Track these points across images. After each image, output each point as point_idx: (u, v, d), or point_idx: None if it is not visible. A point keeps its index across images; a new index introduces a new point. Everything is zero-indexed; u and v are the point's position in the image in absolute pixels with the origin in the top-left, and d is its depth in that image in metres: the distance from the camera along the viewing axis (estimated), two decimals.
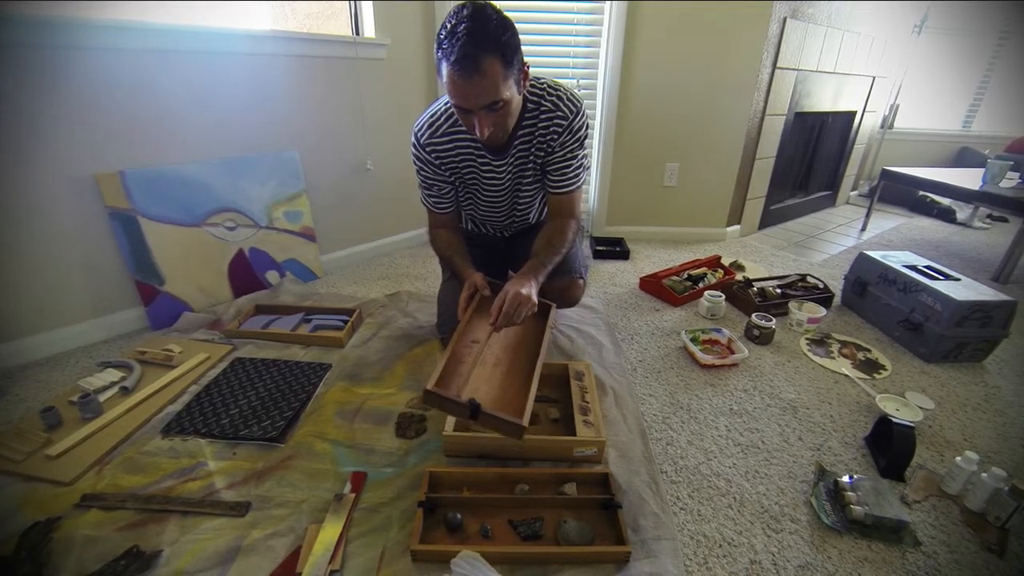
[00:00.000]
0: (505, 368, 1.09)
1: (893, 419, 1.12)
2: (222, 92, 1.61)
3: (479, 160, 1.21)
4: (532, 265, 1.16)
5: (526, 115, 1.15)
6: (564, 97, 1.15)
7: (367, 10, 1.90)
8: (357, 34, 1.94)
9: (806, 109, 2.67)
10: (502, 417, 0.92)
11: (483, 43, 0.92)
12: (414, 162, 1.25)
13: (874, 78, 3.08)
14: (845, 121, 3.12)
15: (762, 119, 2.43)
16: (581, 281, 1.40)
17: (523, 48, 1.03)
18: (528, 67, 1.05)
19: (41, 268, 1.39)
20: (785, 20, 2.25)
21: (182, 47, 1.49)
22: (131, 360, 1.38)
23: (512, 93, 1.00)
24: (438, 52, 0.96)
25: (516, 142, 1.17)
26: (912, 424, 1.11)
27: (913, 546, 0.93)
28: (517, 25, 1.00)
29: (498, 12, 0.97)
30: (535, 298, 1.10)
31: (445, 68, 0.95)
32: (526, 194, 1.30)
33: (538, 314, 1.22)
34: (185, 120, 1.56)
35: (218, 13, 1.67)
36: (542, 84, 1.16)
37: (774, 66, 2.33)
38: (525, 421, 0.92)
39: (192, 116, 1.57)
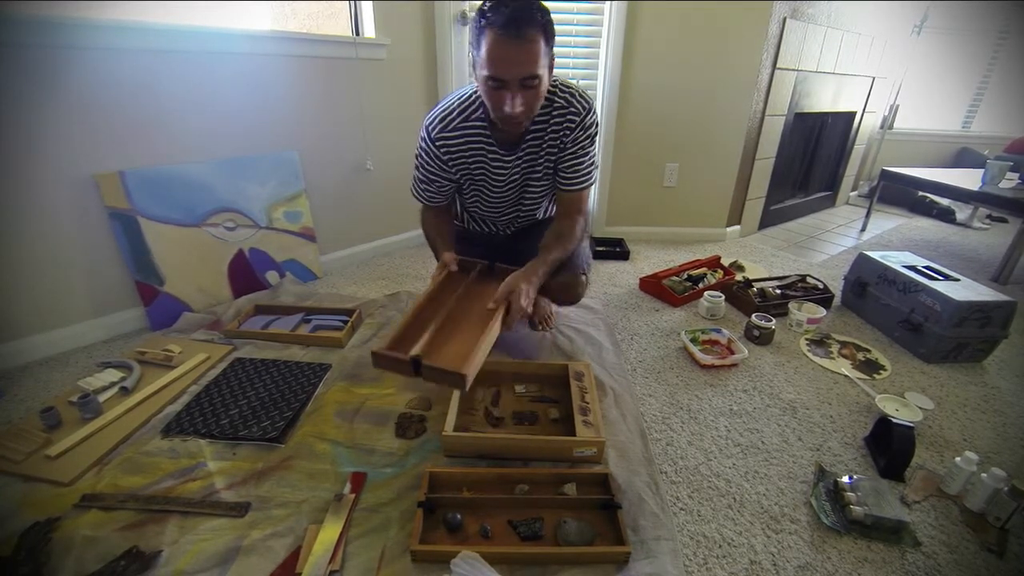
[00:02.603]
0: (468, 334, 1.07)
1: (893, 419, 1.12)
2: (222, 92, 1.61)
3: (489, 154, 1.21)
4: (536, 262, 1.17)
5: (539, 111, 1.16)
6: (576, 94, 1.16)
7: (367, 10, 1.90)
8: (357, 34, 1.94)
9: (806, 109, 2.67)
10: (444, 369, 0.91)
11: (530, 14, 0.95)
12: (419, 155, 1.25)
13: (874, 78, 3.08)
14: (845, 121, 3.12)
15: (762, 119, 2.43)
16: (584, 278, 1.41)
17: None
18: (555, 61, 1.07)
19: (41, 268, 1.39)
20: (785, 20, 2.25)
21: (182, 47, 1.49)
22: (131, 360, 1.38)
23: (545, 75, 1.01)
24: (481, 21, 0.97)
25: (528, 136, 1.18)
26: (912, 424, 1.11)
27: (913, 546, 0.93)
28: None
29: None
30: (529, 307, 1.11)
31: (489, 36, 0.95)
32: (534, 190, 1.31)
33: (492, 277, 1.24)
34: (185, 120, 1.56)
35: (218, 13, 1.67)
36: (554, 82, 1.17)
37: (774, 66, 2.33)
38: (467, 370, 0.91)
39: (192, 116, 1.57)
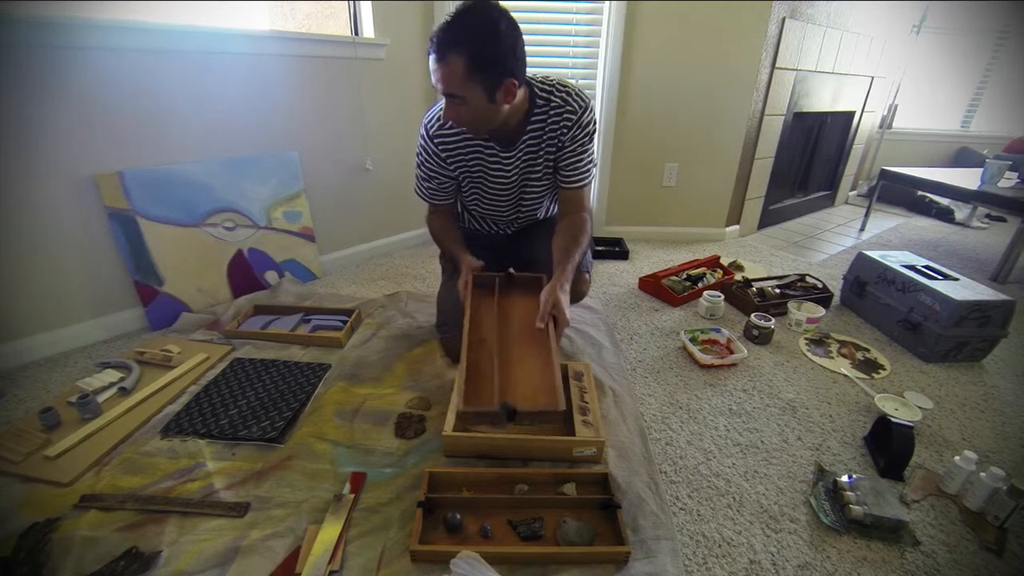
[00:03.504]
0: (524, 357, 1.09)
1: (892, 419, 1.13)
2: (222, 92, 1.61)
3: (487, 152, 1.22)
4: (563, 268, 1.17)
5: (535, 111, 1.17)
6: (573, 93, 1.18)
7: (366, 10, 1.90)
8: (356, 34, 1.94)
9: (805, 109, 2.67)
10: (541, 411, 0.93)
11: (454, 40, 0.98)
12: (419, 153, 1.27)
13: (873, 78, 3.09)
14: (844, 121, 3.12)
15: (761, 119, 2.43)
16: (587, 276, 1.43)
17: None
18: (516, 85, 1.06)
19: (40, 269, 1.39)
20: (784, 20, 2.26)
21: (182, 47, 1.49)
22: (130, 361, 1.38)
23: (476, 97, 1.03)
24: None
25: (525, 136, 1.20)
26: (911, 424, 1.11)
27: (912, 546, 0.93)
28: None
29: (494, 23, 0.99)
30: (567, 314, 1.12)
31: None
32: (534, 189, 1.31)
33: (531, 287, 1.24)
34: (184, 120, 1.56)
35: (218, 13, 1.67)
36: (551, 82, 1.19)
37: (773, 66, 2.33)
38: (560, 404, 0.93)
39: (191, 116, 1.57)
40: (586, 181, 1.26)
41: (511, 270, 1.31)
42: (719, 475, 1.09)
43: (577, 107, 1.17)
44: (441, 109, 1.20)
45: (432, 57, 1.00)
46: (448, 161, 1.24)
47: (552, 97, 1.17)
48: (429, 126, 1.22)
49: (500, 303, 1.23)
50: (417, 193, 1.35)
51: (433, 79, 1.03)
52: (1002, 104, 3.60)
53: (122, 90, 1.41)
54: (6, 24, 1.20)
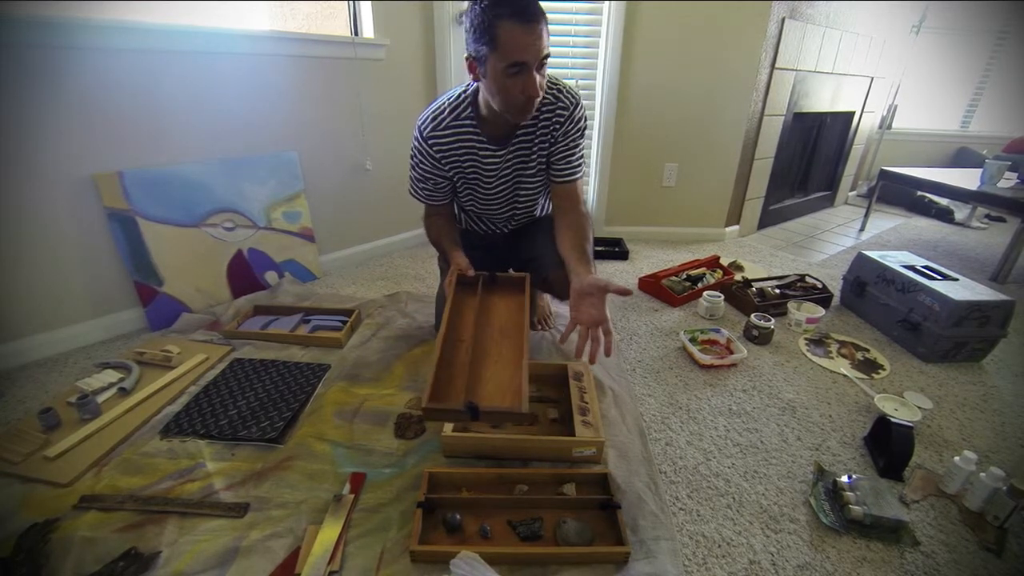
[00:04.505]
0: (498, 357, 1.07)
1: (892, 419, 1.13)
2: (221, 92, 1.61)
3: (480, 151, 1.23)
4: (583, 265, 1.14)
5: None
6: (563, 90, 1.19)
7: (366, 10, 1.90)
8: (356, 34, 1.94)
9: (804, 109, 2.67)
10: (502, 410, 0.91)
11: (536, 2, 0.99)
12: (413, 155, 1.27)
13: (872, 78, 3.09)
14: (843, 121, 3.12)
15: (761, 119, 2.44)
16: None
17: None
18: None
19: (39, 269, 1.39)
20: (783, 20, 2.26)
21: (181, 47, 1.49)
22: (129, 361, 1.38)
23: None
24: (485, 18, 0.98)
25: (518, 132, 1.20)
26: (911, 424, 1.11)
27: (912, 546, 0.93)
28: None
29: None
30: (611, 325, 1.07)
31: (505, 26, 0.97)
32: (528, 186, 1.32)
33: (513, 287, 1.24)
34: (184, 120, 1.56)
35: (218, 13, 1.67)
36: None
37: (772, 66, 2.33)
38: (524, 406, 0.90)
39: (191, 116, 1.57)
40: (579, 175, 1.28)
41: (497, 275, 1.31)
42: (719, 475, 1.09)
43: (568, 103, 1.19)
44: (434, 111, 1.21)
45: (523, 26, 0.97)
46: (443, 161, 1.25)
47: (544, 94, 1.17)
48: (423, 127, 1.23)
49: (482, 303, 1.22)
50: (412, 195, 1.34)
51: (523, 54, 0.99)
52: (1001, 104, 3.60)
53: (122, 90, 1.41)
54: (6, 24, 1.20)
